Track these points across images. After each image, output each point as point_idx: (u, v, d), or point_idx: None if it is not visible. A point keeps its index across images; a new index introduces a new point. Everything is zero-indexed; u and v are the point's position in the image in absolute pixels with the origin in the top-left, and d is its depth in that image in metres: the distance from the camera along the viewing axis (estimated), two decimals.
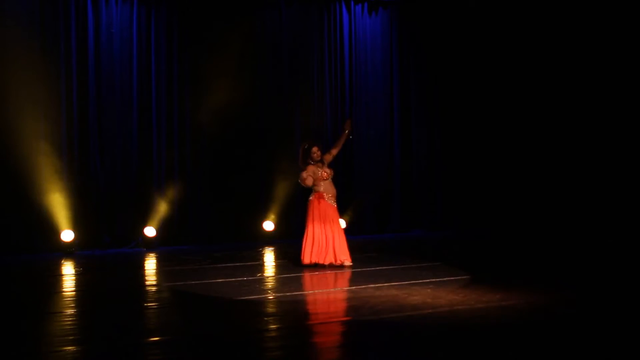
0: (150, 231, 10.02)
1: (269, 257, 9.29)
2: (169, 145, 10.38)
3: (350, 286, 6.80)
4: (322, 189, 7.89)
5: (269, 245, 10.34)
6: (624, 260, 8.24)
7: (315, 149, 7.89)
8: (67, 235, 9.50)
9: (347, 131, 8.03)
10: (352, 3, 11.60)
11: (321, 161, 7.94)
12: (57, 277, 7.83)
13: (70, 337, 4.91)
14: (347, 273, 7.49)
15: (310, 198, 7.99)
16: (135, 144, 10.17)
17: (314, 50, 11.31)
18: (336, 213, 7.97)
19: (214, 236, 10.54)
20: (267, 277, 7.67)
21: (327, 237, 7.78)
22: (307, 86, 11.23)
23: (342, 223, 8.76)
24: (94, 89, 9.92)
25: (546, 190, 11.22)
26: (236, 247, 9.98)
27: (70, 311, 5.89)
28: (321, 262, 7.74)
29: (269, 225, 10.78)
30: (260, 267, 8.49)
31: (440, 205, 12.10)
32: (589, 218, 10.46)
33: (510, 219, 11.50)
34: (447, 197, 12.09)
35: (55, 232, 9.50)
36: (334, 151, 8.06)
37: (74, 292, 6.89)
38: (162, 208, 10.21)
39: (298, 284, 6.90)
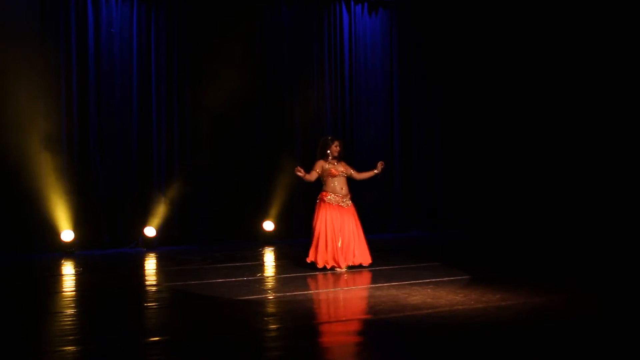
0: (150, 231, 10.02)
1: (269, 257, 9.29)
2: (168, 145, 10.38)
3: (350, 286, 6.80)
4: (328, 187, 7.67)
5: (269, 245, 10.34)
6: (623, 260, 8.24)
7: (336, 142, 7.73)
8: (67, 235, 9.50)
9: (375, 172, 7.87)
10: (352, 3, 11.59)
11: (337, 158, 7.72)
12: (57, 277, 7.82)
13: (70, 337, 4.92)
14: (347, 273, 7.48)
15: (319, 197, 7.78)
16: (135, 144, 10.17)
17: (314, 50, 11.31)
18: (344, 214, 7.65)
19: (214, 236, 10.54)
20: (267, 277, 7.66)
21: (328, 240, 7.55)
22: (307, 86, 11.23)
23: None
24: (94, 89, 9.92)
25: (546, 190, 11.21)
26: (236, 247, 9.98)
27: (70, 311, 5.89)
28: (321, 265, 7.56)
29: (269, 225, 10.78)
30: (260, 267, 8.49)
31: (440, 205, 12.10)
32: (589, 217, 10.45)
33: (511, 219, 11.50)
34: (447, 197, 12.09)
35: (55, 232, 9.51)
36: (354, 173, 7.86)
37: (74, 292, 6.89)
38: (162, 208, 10.21)
39: (298, 284, 6.89)
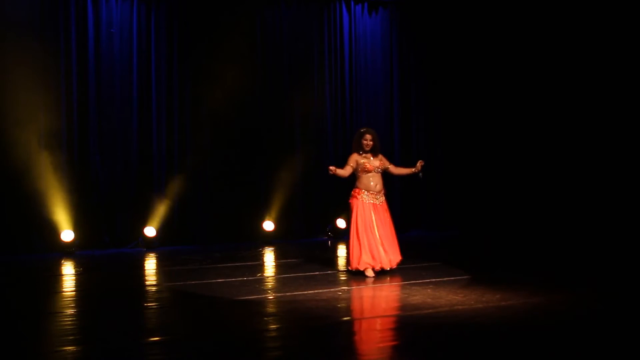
0: (150, 231, 10.02)
1: (269, 257, 9.29)
2: (168, 145, 10.38)
3: (350, 286, 6.79)
4: (361, 184, 7.24)
5: (269, 245, 10.34)
6: (622, 260, 8.24)
7: (368, 136, 7.24)
8: (67, 235, 9.50)
9: (414, 170, 7.43)
10: (352, 3, 11.59)
11: (373, 152, 7.28)
12: (57, 277, 7.82)
13: (70, 337, 4.91)
14: (347, 273, 7.47)
15: (351, 194, 7.35)
16: (135, 144, 10.17)
17: (314, 50, 11.31)
18: (378, 211, 7.26)
19: (214, 236, 10.54)
20: (267, 277, 7.66)
21: (371, 241, 7.18)
22: (307, 86, 11.23)
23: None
24: (94, 89, 9.92)
25: (546, 190, 11.21)
26: (236, 247, 9.98)
27: (70, 311, 5.89)
28: (362, 268, 7.16)
29: (269, 225, 10.78)
30: (260, 267, 8.49)
31: (440, 205, 12.10)
32: (589, 217, 10.45)
33: (510, 219, 11.50)
34: (447, 197, 12.08)
35: (55, 232, 9.50)
36: (392, 168, 7.48)
37: (74, 292, 6.89)
38: (162, 208, 10.21)
39: (298, 284, 6.89)
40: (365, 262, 7.18)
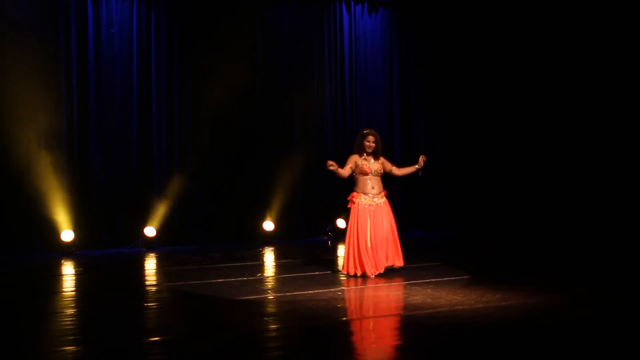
0: (150, 231, 10.02)
1: (269, 257, 9.29)
2: (168, 145, 10.39)
3: (349, 286, 6.79)
4: (359, 187, 7.18)
5: (269, 245, 10.34)
6: (623, 259, 8.24)
7: (371, 138, 7.15)
8: (67, 235, 9.50)
9: (417, 167, 7.39)
10: (352, 3, 11.60)
11: (374, 154, 7.22)
12: (57, 277, 7.82)
13: (70, 337, 4.91)
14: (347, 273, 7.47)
15: (349, 198, 7.26)
16: (135, 144, 10.18)
17: (314, 50, 11.31)
18: (376, 215, 7.16)
19: (214, 236, 10.55)
20: (267, 277, 7.66)
21: (362, 248, 7.10)
22: (307, 86, 11.23)
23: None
24: (94, 89, 9.92)
25: (546, 190, 11.21)
26: (236, 247, 9.98)
27: (70, 311, 5.88)
28: (359, 273, 7.12)
29: (269, 225, 10.78)
30: (260, 267, 8.49)
31: (441, 205, 12.09)
32: (589, 217, 10.44)
33: (511, 219, 11.50)
34: (448, 197, 12.08)
35: (55, 232, 9.50)
36: (395, 169, 7.44)
37: (74, 292, 6.88)
38: (162, 208, 10.21)
39: (298, 284, 6.89)
40: (359, 269, 7.16)
